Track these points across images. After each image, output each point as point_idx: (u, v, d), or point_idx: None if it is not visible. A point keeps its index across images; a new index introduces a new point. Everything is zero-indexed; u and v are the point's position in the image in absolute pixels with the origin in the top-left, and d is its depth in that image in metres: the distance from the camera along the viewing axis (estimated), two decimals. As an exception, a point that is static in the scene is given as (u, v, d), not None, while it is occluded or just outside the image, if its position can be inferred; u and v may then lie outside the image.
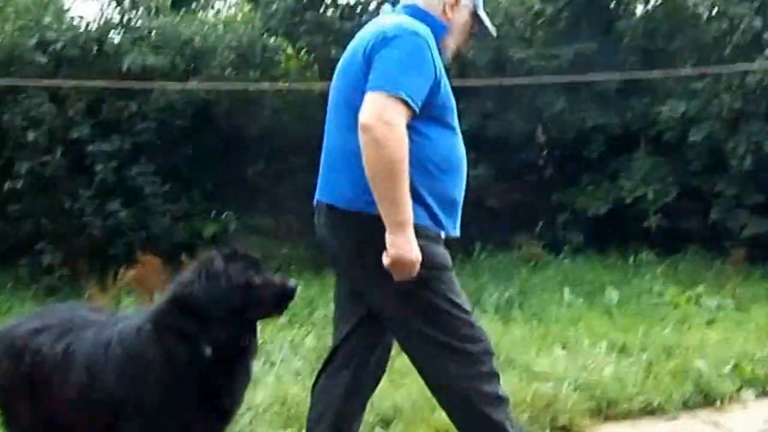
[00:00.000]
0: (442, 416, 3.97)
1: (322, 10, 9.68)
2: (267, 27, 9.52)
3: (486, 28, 3.08)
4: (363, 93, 2.71)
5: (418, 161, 2.76)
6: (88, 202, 8.58)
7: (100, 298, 6.13)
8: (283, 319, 6.31)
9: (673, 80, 9.48)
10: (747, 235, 8.60)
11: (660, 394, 4.40)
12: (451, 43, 2.99)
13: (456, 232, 2.97)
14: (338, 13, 9.76)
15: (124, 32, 9.15)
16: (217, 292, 2.71)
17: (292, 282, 2.92)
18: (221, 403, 2.85)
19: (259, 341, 5.37)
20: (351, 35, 10.54)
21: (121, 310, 6.25)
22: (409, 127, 2.73)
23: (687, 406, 4.43)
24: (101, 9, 9.53)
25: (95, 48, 9.02)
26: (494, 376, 2.91)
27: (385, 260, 2.67)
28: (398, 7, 3.01)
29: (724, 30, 8.89)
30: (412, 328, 2.86)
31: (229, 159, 9.70)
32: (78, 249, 8.70)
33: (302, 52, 10.03)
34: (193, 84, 8.97)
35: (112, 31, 9.17)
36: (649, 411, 4.33)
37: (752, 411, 4.40)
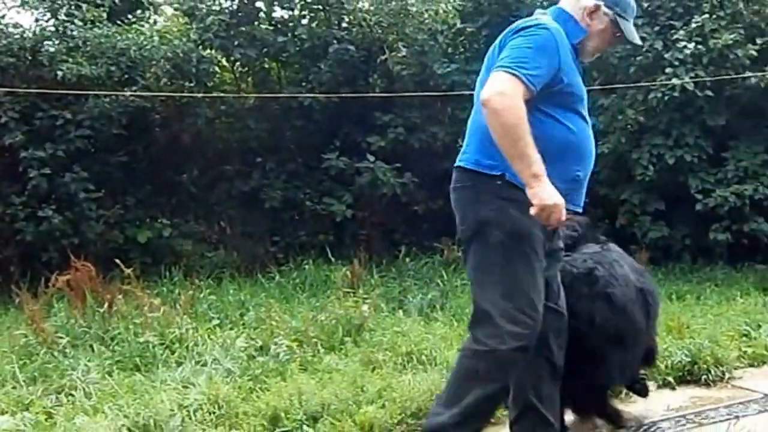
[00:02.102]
0: (367, 412, 3.97)
1: (256, 24, 9.58)
2: (202, 39, 9.37)
3: (630, 36, 3.26)
4: None
5: (542, 138, 2.94)
6: (20, 208, 8.32)
7: (32, 304, 5.88)
8: (215, 320, 6.29)
9: None
10: (650, 239, 8.76)
11: None
12: (590, 45, 3.20)
13: (574, 207, 3.13)
14: (272, 27, 9.68)
15: (60, 42, 8.87)
16: None
17: None
18: None
19: (191, 343, 5.34)
20: (284, 49, 10.56)
21: (52, 315, 6.09)
22: (537, 108, 2.98)
23: None
24: (37, 19, 9.31)
25: (29, 56, 8.75)
26: None
27: (532, 210, 2.87)
28: (550, 8, 3.26)
29: (629, 51, 9.00)
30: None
31: (163, 166, 9.54)
32: (9, 255, 8.47)
33: (236, 65, 9.93)
34: (127, 94, 8.80)
35: (47, 40, 8.88)
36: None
37: (653, 400, 4.41)
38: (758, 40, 8.66)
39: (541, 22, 3.09)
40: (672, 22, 8.97)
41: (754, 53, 8.55)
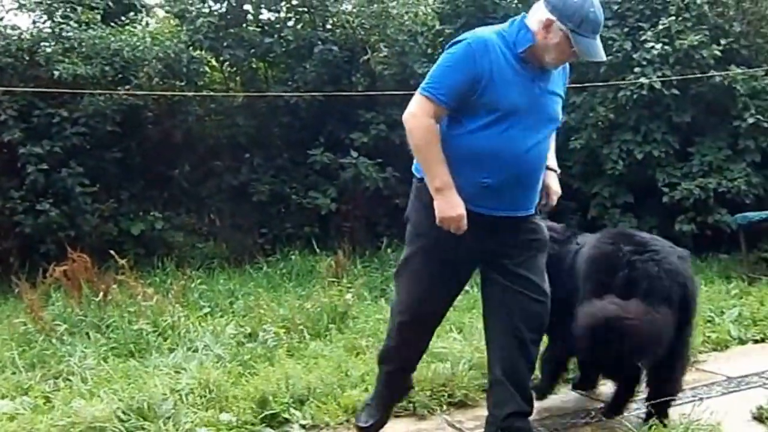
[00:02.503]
0: (351, 395, 4.01)
1: (244, 26, 9.56)
2: (192, 41, 9.33)
3: (586, 52, 3.14)
4: None
5: (450, 147, 3.10)
6: (19, 202, 8.28)
7: (30, 293, 5.88)
8: (205, 308, 6.31)
9: None
10: None
11: (539, 370, 4.47)
12: (548, 57, 3.13)
13: (493, 212, 3.20)
14: (259, 28, 9.67)
15: (56, 43, 8.82)
16: None
17: None
18: None
19: (183, 330, 5.35)
20: (271, 49, 10.53)
21: (50, 304, 6.08)
22: (451, 118, 3.13)
23: (565, 380, 4.42)
24: (34, 21, 9.25)
25: (27, 57, 8.71)
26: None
27: (437, 220, 3.11)
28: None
29: None
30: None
31: (156, 162, 9.51)
32: (9, 247, 8.43)
33: (225, 65, 9.91)
34: (120, 92, 8.76)
35: (44, 41, 8.81)
36: (532, 387, 4.40)
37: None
38: (722, 41, 8.71)
39: (466, 36, 3.12)
40: (640, 23, 9.01)
41: (718, 53, 8.61)
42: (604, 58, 3.26)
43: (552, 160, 3.48)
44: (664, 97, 8.60)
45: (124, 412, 3.74)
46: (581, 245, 3.82)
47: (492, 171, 3.14)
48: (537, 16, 3.15)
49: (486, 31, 3.18)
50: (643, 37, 8.76)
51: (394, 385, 3.63)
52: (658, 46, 8.56)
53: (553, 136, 3.52)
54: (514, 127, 3.13)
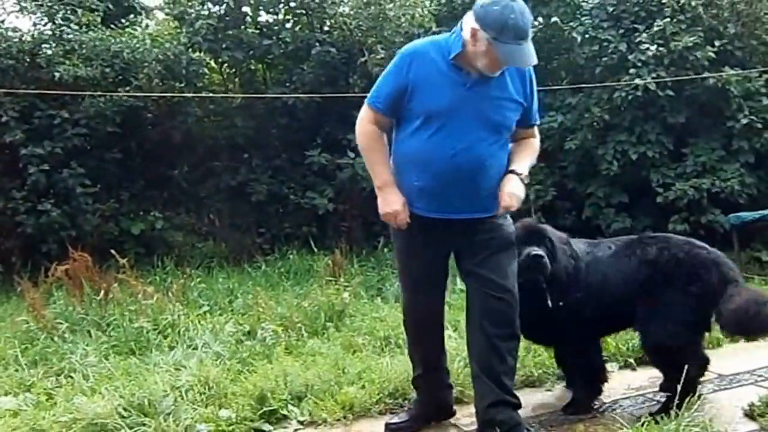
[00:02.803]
0: (348, 392, 4.05)
1: (243, 28, 9.61)
2: (192, 42, 9.40)
3: (508, 59, 3.15)
4: None
5: (397, 151, 3.35)
6: (21, 202, 8.35)
7: (33, 292, 5.91)
8: (205, 307, 6.33)
9: (552, 95, 9.67)
10: (613, 230, 8.83)
11: (538, 368, 4.49)
12: (479, 63, 3.18)
13: (429, 214, 3.32)
14: (258, 30, 9.71)
15: (56, 45, 8.89)
16: None
17: None
18: None
19: (183, 328, 5.36)
20: (269, 51, 10.55)
21: (52, 303, 6.11)
22: (399, 124, 3.34)
23: (561, 377, 4.45)
24: (35, 23, 9.30)
25: (28, 59, 8.78)
26: None
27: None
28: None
29: (595, 52, 9.15)
30: None
31: (156, 163, 9.59)
32: (11, 246, 8.50)
33: (224, 66, 9.96)
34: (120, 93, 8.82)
35: (45, 43, 8.89)
36: (530, 383, 4.40)
37: (615, 380, 4.42)
38: (717, 43, 8.81)
39: (407, 47, 3.32)
40: (636, 25, 9.10)
41: (713, 55, 8.70)
42: (531, 64, 3.22)
43: (517, 164, 3.39)
44: (659, 98, 8.69)
45: (125, 409, 3.76)
46: (589, 259, 3.84)
47: (420, 174, 3.26)
48: (467, 24, 3.19)
49: (421, 42, 3.35)
50: (638, 39, 8.85)
51: (425, 389, 3.69)
52: (653, 47, 8.66)
53: (530, 141, 3.51)
54: (441, 131, 3.21)
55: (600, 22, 9.24)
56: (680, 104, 8.87)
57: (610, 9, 9.23)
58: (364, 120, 3.34)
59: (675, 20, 8.83)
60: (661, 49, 8.66)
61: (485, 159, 3.26)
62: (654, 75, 8.61)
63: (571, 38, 9.59)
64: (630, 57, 8.79)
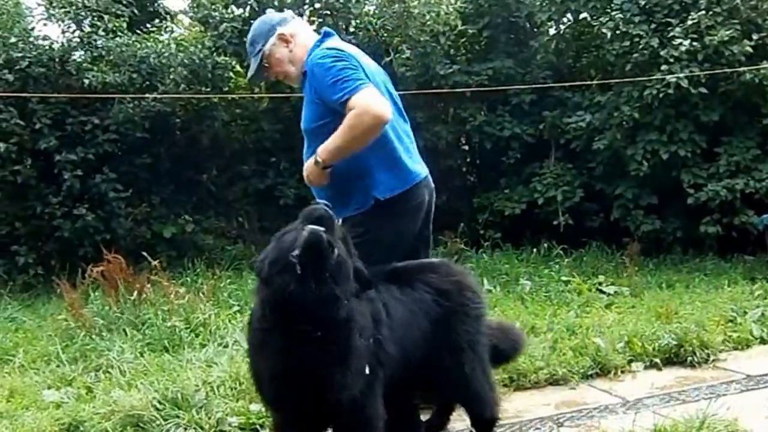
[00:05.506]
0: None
1: (268, 30, 9.85)
2: (217, 46, 9.63)
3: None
4: None
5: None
6: (57, 207, 8.76)
7: (71, 293, 6.30)
8: (235, 307, 6.66)
9: (581, 93, 9.73)
10: (642, 232, 8.88)
11: (563, 367, 4.75)
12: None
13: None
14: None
15: (85, 51, 9.25)
16: None
17: None
18: None
19: (214, 327, 5.67)
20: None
21: (89, 303, 6.47)
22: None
23: (586, 376, 4.77)
24: (63, 30, 9.62)
25: (58, 66, 9.12)
26: None
27: None
28: None
29: (626, 48, 9.00)
30: None
31: (184, 167, 9.90)
32: (50, 250, 8.97)
33: (249, 70, 10.25)
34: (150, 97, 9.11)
35: (74, 50, 9.25)
36: (554, 381, 4.65)
37: (640, 380, 4.73)
38: (754, 36, 8.60)
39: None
40: (669, 19, 8.92)
41: (750, 49, 8.46)
42: (248, 77, 4.14)
43: (320, 148, 3.76)
44: (692, 96, 8.51)
45: (159, 402, 4.05)
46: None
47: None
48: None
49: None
50: (671, 34, 8.67)
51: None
52: (687, 42, 8.46)
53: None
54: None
55: (631, 17, 9.01)
56: (714, 101, 8.70)
57: (642, 2, 9.02)
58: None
59: (710, 13, 8.60)
60: (695, 44, 8.46)
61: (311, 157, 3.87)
62: (687, 71, 8.43)
63: (600, 34, 9.49)
64: (662, 53, 8.62)
